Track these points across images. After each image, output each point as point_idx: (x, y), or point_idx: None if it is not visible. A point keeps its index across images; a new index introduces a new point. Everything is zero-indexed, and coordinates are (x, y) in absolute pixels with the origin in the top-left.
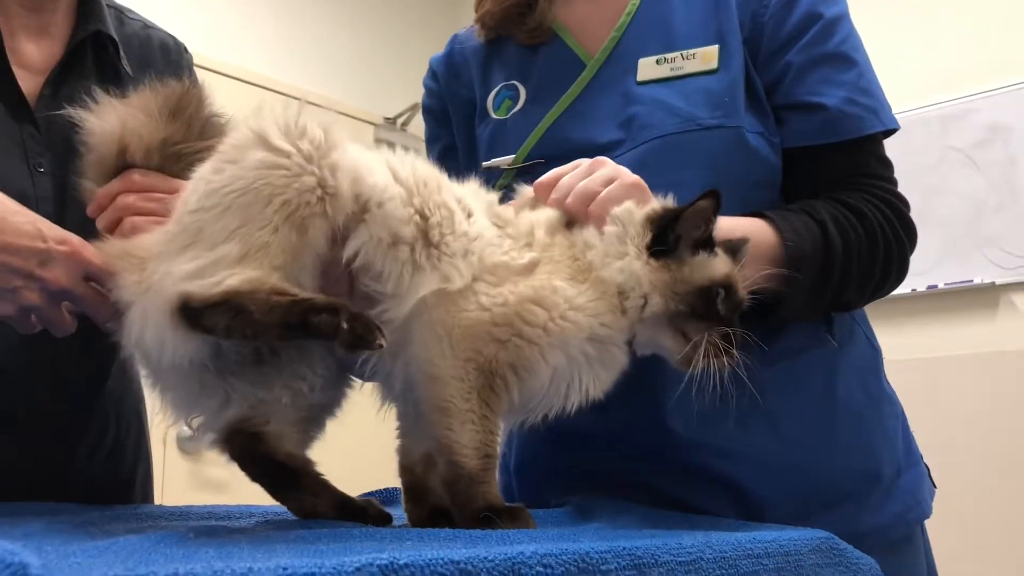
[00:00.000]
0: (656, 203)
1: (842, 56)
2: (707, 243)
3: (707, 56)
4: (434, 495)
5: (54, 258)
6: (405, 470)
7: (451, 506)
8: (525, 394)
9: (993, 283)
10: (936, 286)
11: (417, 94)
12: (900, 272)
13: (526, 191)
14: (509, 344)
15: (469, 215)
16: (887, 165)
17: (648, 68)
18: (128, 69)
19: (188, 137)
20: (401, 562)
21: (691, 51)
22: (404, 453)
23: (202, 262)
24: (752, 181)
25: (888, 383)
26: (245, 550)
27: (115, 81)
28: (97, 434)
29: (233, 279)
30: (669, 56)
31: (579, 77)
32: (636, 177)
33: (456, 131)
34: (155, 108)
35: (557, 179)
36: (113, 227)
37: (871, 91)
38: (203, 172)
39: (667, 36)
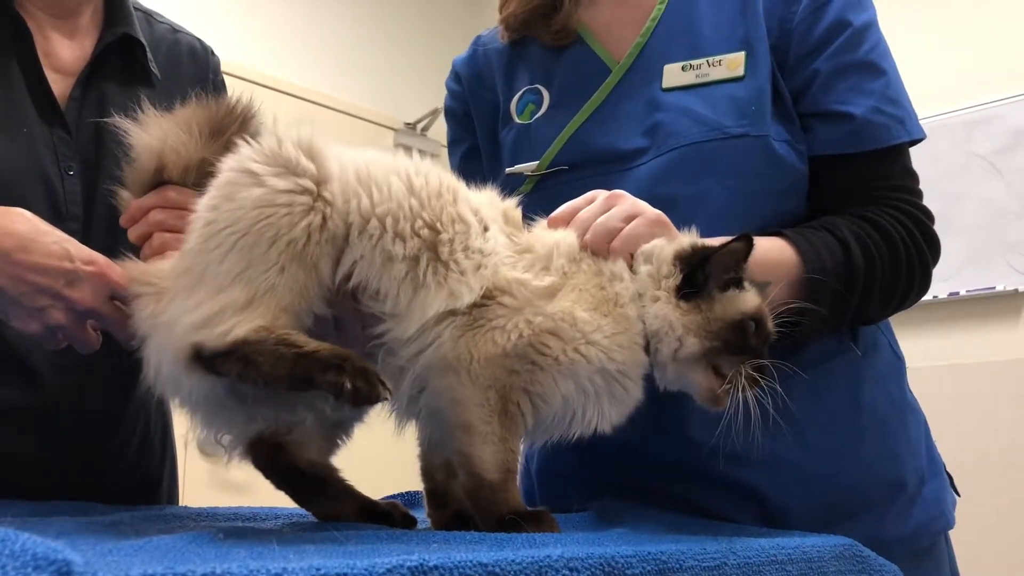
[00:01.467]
0: (684, 239)
1: (870, 65)
2: (737, 281)
3: (733, 63)
4: (456, 500)
5: (81, 278)
6: (427, 476)
7: (473, 513)
8: (537, 419)
9: (1016, 290)
10: (958, 293)
11: (437, 99)
12: (923, 286)
13: (541, 224)
14: (523, 371)
15: (486, 228)
16: (912, 176)
17: (674, 75)
18: (156, 72)
19: None
20: (431, 564)
21: (717, 57)
22: (425, 459)
23: (209, 310)
24: (778, 190)
25: (911, 392)
26: (276, 551)
27: (144, 84)
28: (126, 433)
29: (240, 328)
30: (695, 62)
31: (604, 83)
32: (658, 212)
33: (479, 134)
34: (196, 126)
35: (572, 214)
36: (143, 240)
37: (898, 100)
38: (201, 208)
39: (693, 42)
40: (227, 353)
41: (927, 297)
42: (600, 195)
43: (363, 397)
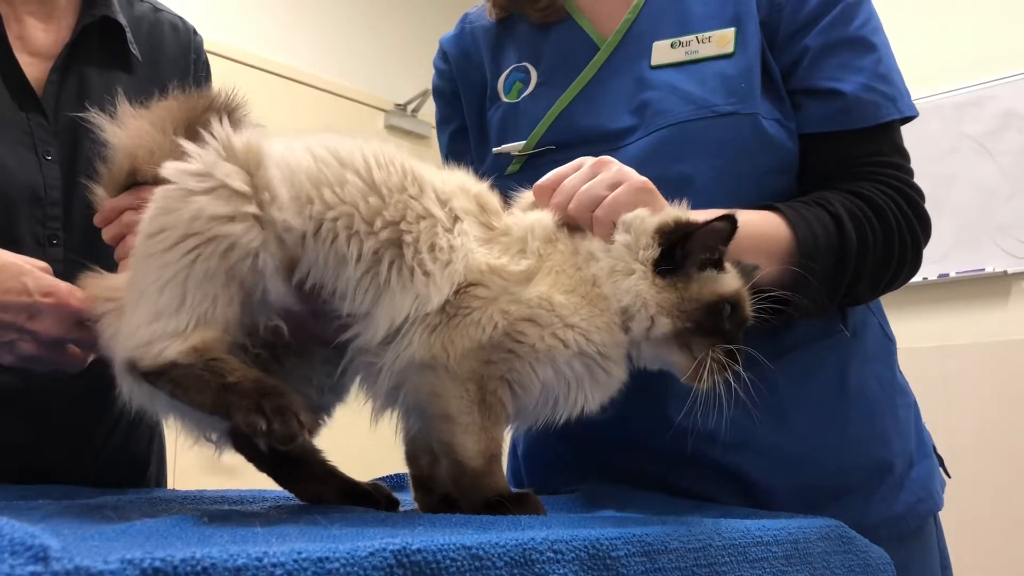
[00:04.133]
0: (670, 211)
1: (861, 41)
2: (716, 262)
3: (723, 39)
4: (442, 484)
5: (41, 310)
6: (412, 462)
7: (457, 497)
8: (517, 406)
9: (1005, 272)
10: (948, 275)
11: (427, 80)
12: (913, 265)
13: (526, 196)
14: (499, 360)
15: (456, 219)
16: (903, 154)
17: (663, 52)
18: (137, 54)
19: None
20: (413, 547)
21: (707, 34)
22: (409, 445)
23: (146, 330)
24: (768, 169)
25: (901, 373)
26: (259, 535)
27: (123, 66)
28: (114, 415)
29: (171, 350)
30: (684, 39)
31: (592, 60)
32: (644, 179)
33: (467, 113)
34: (172, 125)
35: (558, 181)
36: (117, 241)
37: (890, 77)
38: (144, 219)
39: (683, 18)
40: (159, 373)
41: (916, 279)
42: (587, 162)
43: (278, 439)
